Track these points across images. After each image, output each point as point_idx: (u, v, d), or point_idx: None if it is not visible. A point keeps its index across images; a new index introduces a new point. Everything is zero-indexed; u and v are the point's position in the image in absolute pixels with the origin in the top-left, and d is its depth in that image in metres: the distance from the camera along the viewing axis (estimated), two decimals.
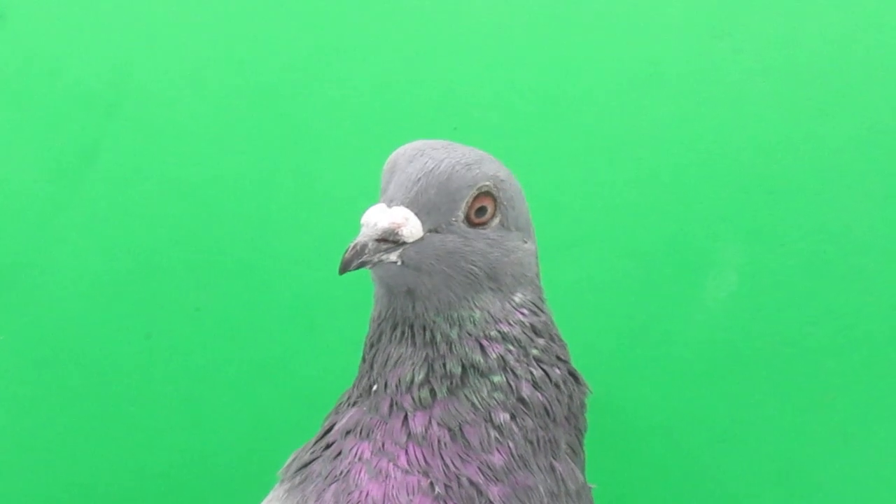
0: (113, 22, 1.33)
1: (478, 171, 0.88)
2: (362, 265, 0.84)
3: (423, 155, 0.89)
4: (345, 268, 0.83)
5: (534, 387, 0.89)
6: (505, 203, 0.90)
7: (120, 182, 1.32)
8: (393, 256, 0.85)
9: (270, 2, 1.36)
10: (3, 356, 1.35)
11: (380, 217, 0.85)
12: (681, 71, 1.31)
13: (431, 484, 0.85)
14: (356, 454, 0.89)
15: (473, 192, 0.88)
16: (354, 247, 0.83)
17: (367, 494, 0.86)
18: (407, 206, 0.86)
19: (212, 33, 1.35)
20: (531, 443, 0.89)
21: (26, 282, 1.33)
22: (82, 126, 1.31)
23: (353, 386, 0.93)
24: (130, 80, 1.32)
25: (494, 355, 0.88)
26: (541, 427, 0.89)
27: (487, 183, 0.88)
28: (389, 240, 0.85)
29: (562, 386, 0.91)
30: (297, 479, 0.93)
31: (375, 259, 0.84)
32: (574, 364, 0.95)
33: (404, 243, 0.85)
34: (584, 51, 1.34)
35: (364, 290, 0.99)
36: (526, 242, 0.92)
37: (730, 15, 1.33)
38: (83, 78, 1.32)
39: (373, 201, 0.90)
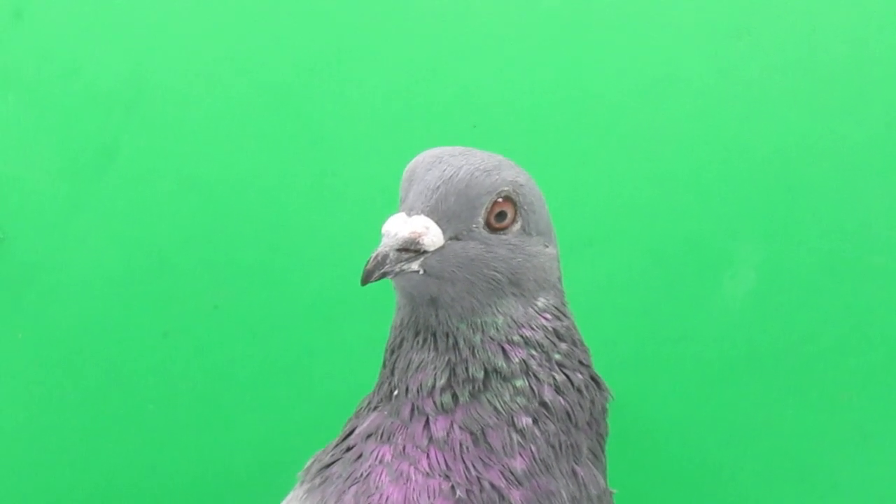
0: (130, 21, 1.33)
1: (497, 176, 0.88)
2: (384, 276, 0.83)
3: (441, 162, 0.89)
4: (367, 279, 0.83)
5: (556, 391, 0.88)
6: (525, 208, 0.90)
7: (138, 181, 1.33)
8: (415, 266, 0.84)
9: (286, 3, 1.33)
10: (22, 353, 1.36)
11: (400, 227, 0.85)
12: (699, 69, 1.31)
13: (453, 488, 0.84)
14: (377, 457, 0.88)
15: (493, 197, 0.87)
16: (376, 257, 0.83)
17: (388, 498, 0.86)
18: (427, 215, 0.86)
19: (228, 33, 1.35)
20: (553, 447, 0.88)
21: (45, 280, 1.34)
22: (100, 125, 1.32)
23: (374, 391, 0.93)
24: (148, 79, 1.33)
25: (517, 360, 0.87)
26: (563, 432, 0.89)
27: (507, 188, 0.88)
28: (411, 249, 0.84)
29: (584, 391, 0.90)
30: (318, 481, 0.92)
31: (397, 269, 0.84)
32: (594, 366, 0.95)
33: (425, 252, 0.84)
34: (602, 50, 1.33)
35: (381, 288, 0.95)
36: (547, 247, 0.92)
37: (748, 13, 1.33)
38: (101, 77, 1.32)
39: (390, 199, 0.92)
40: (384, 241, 0.84)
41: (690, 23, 1.35)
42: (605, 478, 0.94)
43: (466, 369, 0.87)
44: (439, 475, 0.86)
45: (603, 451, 0.95)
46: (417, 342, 0.91)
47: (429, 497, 0.86)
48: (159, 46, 1.33)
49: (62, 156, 1.33)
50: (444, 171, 0.88)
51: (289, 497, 0.97)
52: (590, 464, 0.91)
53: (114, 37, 1.33)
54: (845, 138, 1.29)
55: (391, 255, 0.84)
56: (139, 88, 1.33)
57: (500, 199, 0.87)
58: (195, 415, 1.36)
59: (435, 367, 0.89)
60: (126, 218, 1.33)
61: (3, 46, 1.33)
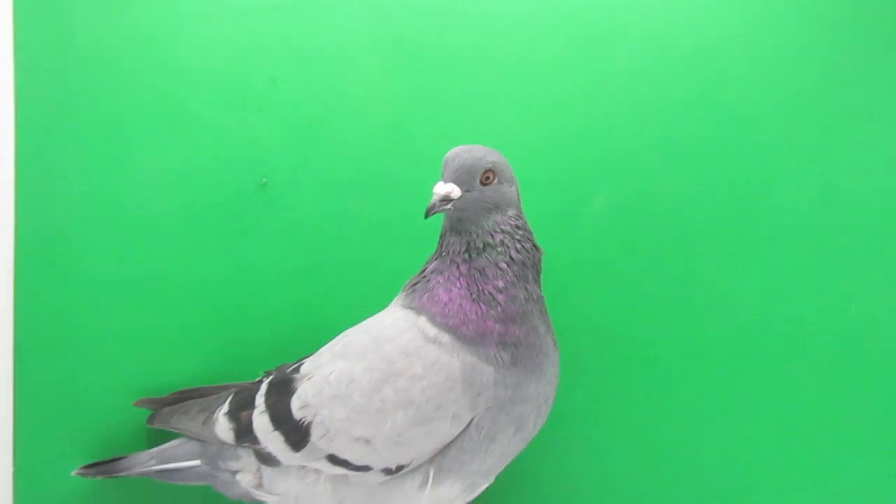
0: (324, 77, 1.55)
1: (485, 159, 1.20)
2: (435, 212, 1.18)
3: (458, 156, 1.20)
4: (427, 214, 1.18)
5: (517, 251, 1.22)
6: (499, 172, 1.22)
7: (329, 156, 1.55)
8: (449, 206, 1.18)
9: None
10: (274, 244, 1.56)
11: (441, 189, 1.18)
12: (581, 74, 1.55)
13: (470, 293, 1.20)
14: (437, 281, 1.23)
15: (482, 169, 1.20)
16: (431, 204, 1.17)
17: (440, 298, 1.21)
18: (453, 182, 1.19)
19: (375, 83, 1.55)
20: (516, 276, 1.22)
21: (285, 201, 1.56)
22: (308, 130, 1.56)
23: (435, 253, 1.27)
24: (330, 109, 1.55)
25: (498, 239, 1.21)
26: (520, 269, 1.22)
27: (490, 164, 1.20)
28: (446, 199, 1.18)
29: (530, 251, 1.24)
30: (409, 290, 1.27)
31: (441, 208, 1.18)
32: (535, 239, 1.27)
33: (453, 199, 1.18)
34: (530, 75, 1.55)
35: (435, 221, 1.26)
36: (512, 187, 1.25)
37: (620, 20, 1.53)
38: (311, 107, 1.55)
39: (437, 177, 1.22)
40: (434, 196, 1.18)
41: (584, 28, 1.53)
42: (539, 289, 1.27)
43: (475, 243, 1.21)
44: (465, 289, 1.21)
45: (538, 278, 1.27)
46: (452, 233, 1.23)
47: (460, 298, 1.21)
48: (339, 92, 1.55)
49: (291, 144, 1.56)
50: (460, 159, 1.20)
51: (396, 299, 1.30)
52: (534, 283, 1.25)
53: (317, 88, 1.55)
54: (665, 121, 1.53)
55: (437, 203, 1.17)
56: (327, 113, 1.55)
57: (486, 170, 1.20)
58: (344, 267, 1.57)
59: (460, 243, 1.23)
60: (325, 174, 1.56)
61: (265, 98, 1.54)
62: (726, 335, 1.54)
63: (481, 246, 1.22)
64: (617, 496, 1.56)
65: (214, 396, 1.45)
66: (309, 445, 1.26)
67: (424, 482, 1.22)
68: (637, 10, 1.53)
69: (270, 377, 1.37)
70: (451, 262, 1.23)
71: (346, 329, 1.33)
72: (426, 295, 1.24)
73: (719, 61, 1.53)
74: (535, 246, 1.27)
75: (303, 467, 1.29)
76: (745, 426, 1.54)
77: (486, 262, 1.21)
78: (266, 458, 1.32)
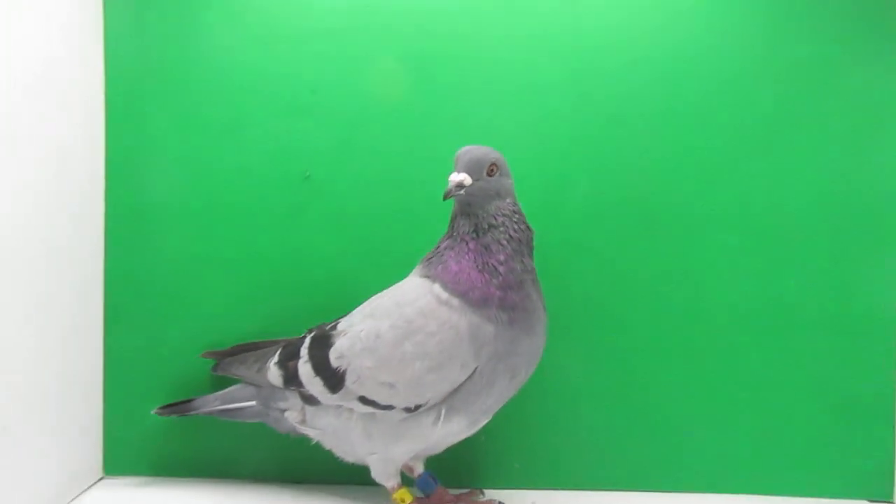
0: (356, 90, 1.68)
1: (489, 156, 1.33)
2: (451, 196, 1.29)
3: (468, 152, 1.33)
4: (445, 197, 1.29)
5: (515, 231, 1.34)
6: (500, 167, 1.34)
7: (364, 151, 1.68)
8: (462, 192, 1.30)
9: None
10: (315, 219, 1.69)
11: (455, 178, 1.30)
12: (567, 89, 1.68)
13: (477, 265, 1.31)
14: (448, 255, 1.34)
15: (488, 163, 1.32)
16: (448, 190, 1.29)
17: (451, 268, 1.32)
18: (465, 172, 1.31)
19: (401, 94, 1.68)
20: (514, 251, 1.33)
21: (325, 188, 1.68)
22: (344, 130, 1.69)
23: (447, 233, 1.38)
24: (361, 115, 1.68)
25: (499, 220, 1.33)
26: (518, 245, 1.34)
27: (494, 160, 1.33)
28: (460, 185, 1.29)
29: (525, 230, 1.36)
30: (426, 263, 1.39)
31: (455, 193, 1.29)
32: (527, 221, 1.38)
33: (465, 186, 1.30)
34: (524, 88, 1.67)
35: (448, 204, 1.38)
36: (509, 180, 1.38)
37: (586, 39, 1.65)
38: (346, 110, 1.68)
39: (449, 172, 1.34)
40: (450, 183, 1.29)
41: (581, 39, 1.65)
42: (532, 262, 1.37)
43: (481, 224, 1.33)
44: (473, 262, 1.32)
45: (531, 253, 1.38)
46: (462, 217, 1.35)
47: (468, 269, 1.31)
48: (369, 101, 1.68)
49: (330, 143, 1.68)
50: (470, 154, 1.32)
51: (414, 270, 1.41)
52: (528, 257, 1.36)
53: (351, 98, 1.66)
54: (635, 129, 1.67)
55: (452, 188, 1.28)
56: (360, 118, 1.67)
57: (492, 163, 1.32)
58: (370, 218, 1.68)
59: (468, 224, 1.34)
60: (358, 168, 1.68)
61: (309, 106, 1.66)
62: (686, 301, 1.67)
63: (486, 227, 1.34)
64: (589, 430, 1.69)
65: (266, 349, 1.57)
66: (344, 389, 1.39)
67: (437, 418, 1.34)
68: (613, 37, 1.66)
69: (312, 333, 1.50)
70: (460, 240, 1.35)
71: (373, 294, 1.45)
72: (440, 266, 1.36)
73: (681, 74, 1.66)
74: (528, 227, 1.39)
75: (339, 406, 1.43)
76: (700, 371, 1.67)
77: (490, 240, 1.33)
78: (309, 399, 1.47)
